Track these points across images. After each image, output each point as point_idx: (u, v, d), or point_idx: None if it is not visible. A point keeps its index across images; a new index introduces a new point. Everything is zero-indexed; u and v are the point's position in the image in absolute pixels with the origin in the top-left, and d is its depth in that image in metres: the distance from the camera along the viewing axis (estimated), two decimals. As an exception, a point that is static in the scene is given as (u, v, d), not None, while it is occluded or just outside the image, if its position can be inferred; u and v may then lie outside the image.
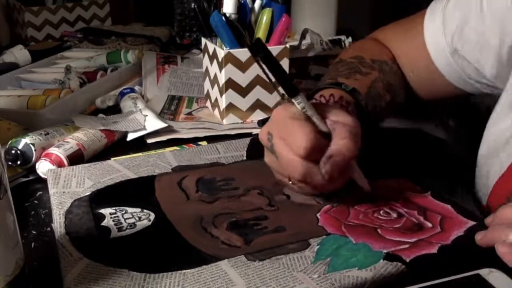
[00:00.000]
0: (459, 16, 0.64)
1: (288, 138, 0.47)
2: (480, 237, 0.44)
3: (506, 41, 0.59)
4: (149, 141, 0.72)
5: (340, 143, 0.47)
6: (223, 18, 0.73)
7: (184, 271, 0.41)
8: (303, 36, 1.11)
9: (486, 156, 0.59)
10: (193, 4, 1.26)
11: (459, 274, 0.40)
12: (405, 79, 0.72)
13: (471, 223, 0.48)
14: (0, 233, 0.37)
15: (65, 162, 0.61)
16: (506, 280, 0.39)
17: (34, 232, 0.50)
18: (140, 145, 0.70)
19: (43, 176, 0.60)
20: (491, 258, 0.42)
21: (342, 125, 0.48)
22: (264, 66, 0.47)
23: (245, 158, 0.63)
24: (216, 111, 0.80)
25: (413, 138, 0.72)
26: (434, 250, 0.44)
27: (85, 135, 0.66)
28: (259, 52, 0.46)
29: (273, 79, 0.48)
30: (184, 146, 0.68)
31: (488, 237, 0.43)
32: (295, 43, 1.11)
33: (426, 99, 0.73)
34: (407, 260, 0.42)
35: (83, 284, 0.40)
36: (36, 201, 0.56)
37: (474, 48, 0.63)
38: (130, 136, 0.71)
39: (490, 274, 0.40)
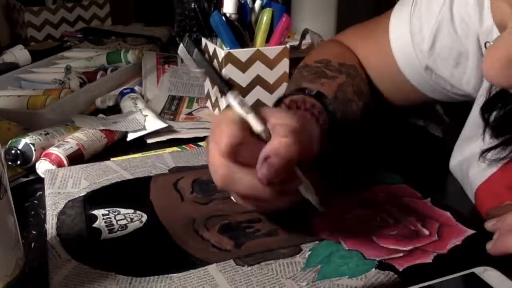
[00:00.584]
0: (427, 29, 0.61)
1: (215, 136, 0.43)
2: (490, 246, 0.43)
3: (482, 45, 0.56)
4: (149, 141, 0.72)
5: (276, 142, 0.41)
6: (223, 18, 0.73)
7: (171, 275, 0.41)
8: (303, 36, 1.11)
9: (460, 169, 0.59)
10: (193, 4, 1.26)
11: (454, 274, 0.40)
12: (372, 86, 0.69)
13: (470, 231, 0.47)
14: (0, 233, 0.37)
15: (65, 162, 0.61)
16: (501, 278, 0.39)
17: (34, 232, 0.50)
18: (140, 145, 0.70)
19: (43, 176, 0.60)
20: (485, 256, 0.42)
21: (282, 125, 0.42)
22: (199, 64, 0.45)
23: None
24: (217, 111, 0.80)
25: (416, 137, 0.71)
26: (428, 259, 0.43)
27: (85, 135, 0.66)
28: (192, 50, 0.45)
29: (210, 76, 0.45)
30: (184, 146, 0.68)
31: (501, 246, 0.42)
32: (295, 43, 1.11)
33: (397, 105, 0.70)
34: (400, 270, 0.42)
35: (69, 286, 0.40)
36: (36, 201, 0.56)
37: (448, 64, 0.60)
38: (130, 136, 0.71)
39: (485, 272, 0.40)
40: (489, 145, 0.53)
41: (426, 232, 0.47)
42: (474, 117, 0.57)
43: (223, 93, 0.44)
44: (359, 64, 0.68)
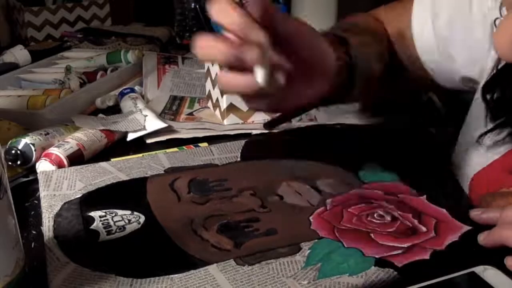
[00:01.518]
0: (447, 8, 0.61)
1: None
2: (483, 237, 0.44)
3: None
4: (149, 141, 0.71)
5: None
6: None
7: (172, 276, 0.41)
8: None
9: (459, 156, 0.59)
10: (193, 4, 1.26)
11: (453, 273, 0.40)
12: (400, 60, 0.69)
13: (467, 228, 0.47)
14: (0, 233, 0.37)
15: (65, 162, 0.61)
16: (502, 277, 0.39)
17: (34, 232, 0.50)
18: (140, 145, 0.70)
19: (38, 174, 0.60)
20: (485, 255, 0.42)
21: None
22: None
23: (239, 159, 0.62)
24: (217, 112, 0.80)
25: (412, 136, 0.71)
26: (427, 256, 0.43)
27: (85, 135, 0.66)
28: None
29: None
30: (184, 147, 0.68)
31: (495, 237, 0.43)
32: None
33: (428, 88, 0.71)
34: (399, 266, 0.42)
35: None
36: (36, 201, 0.56)
37: (459, 40, 0.60)
38: (130, 136, 0.71)
39: (485, 271, 0.40)
40: (486, 129, 0.53)
41: (423, 228, 0.47)
42: (477, 103, 0.57)
43: None
44: (385, 34, 0.68)
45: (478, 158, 0.56)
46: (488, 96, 0.54)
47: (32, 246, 0.48)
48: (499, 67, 0.53)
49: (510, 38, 0.35)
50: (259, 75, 0.41)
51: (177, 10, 1.30)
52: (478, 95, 0.58)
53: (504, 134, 0.52)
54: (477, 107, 0.58)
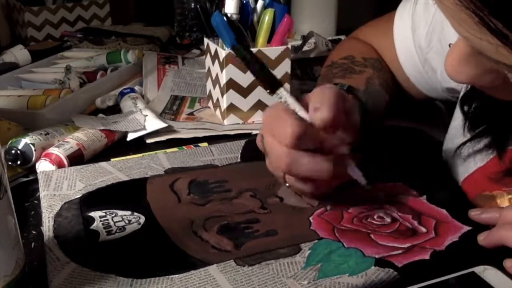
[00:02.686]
0: (425, 25, 0.63)
1: (275, 132, 0.47)
2: (483, 237, 0.44)
3: None
4: (149, 141, 0.71)
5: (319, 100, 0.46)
6: (225, 18, 0.73)
7: (172, 276, 0.41)
8: (307, 38, 1.11)
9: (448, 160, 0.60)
10: (193, 4, 1.26)
11: (453, 273, 0.40)
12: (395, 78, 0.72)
13: (466, 228, 0.47)
14: (0, 233, 0.37)
15: (65, 162, 0.61)
16: (501, 277, 0.39)
17: (34, 232, 0.50)
18: (140, 145, 0.70)
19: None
20: (485, 255, 0.42)
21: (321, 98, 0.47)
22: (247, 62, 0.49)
23: (239, 160, 0.62)
24: (218, 112, 0.80)
25: (413, 138, 0.71)
26: (427, 256, 0.43)
27: (85, 135, 0.66)
28: (240, 49, 0.48)
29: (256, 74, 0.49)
30: (184, 147, 0.68)
31: (495, 237, 0.43)
32: (296, 43, 1.11)
33: (417, 98, 0.73)
34: (399, 266, 0.42)
35: None
36: (36, 201, 0.56)
37: (442, 58, 0.62)
38: (130, 136, 0.71)
39: (485, 272, 0.40)
40: (464, 139, 0.54)
41: (423, 229, 0.47)
42: (458, 113, 0.58)
43: (272, 91, 0.48)
44: (381, 57, 0.71)
45: (460, 167, 0.57)
46: (465, 108, 0.55)
47: (32, 246, 0.48)
48: None
49: (456, 62, 0.38)
50: (361, 179, 0.48)
51: (177, 10, 1.30)
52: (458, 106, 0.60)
53: (482, 143, 0.53)
54: (458, 118, 0.59)
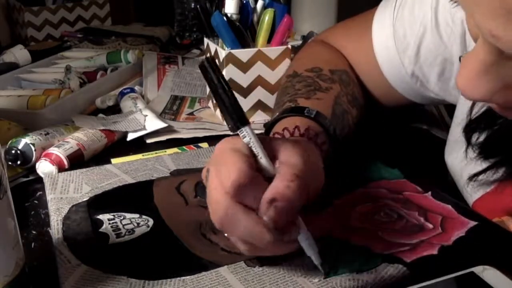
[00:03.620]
0: (411, 35, 0.60)
1: (221, 171, 0.39)
2: None
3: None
4: (149, 141, 0.71)
5: (283, 186, 0.38)
6: (225, 18, 0.73)
7: (183, 277, 0.41)
8: (307, 38, 1.11)
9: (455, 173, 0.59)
10: (193, 4, 1.26)
11: (453, 273, 0.40)
12: (364, 87, 0.68)
13: (473, 223, 0.47)
14: (0, 233, 0.37)
15: (65, 162, 0.61)
16: (500, 277, 0.39)
17: (34, 232, 0.50)
18: (140, 145, 0.70)
19: (43, 176, 0.60)
20: (489, 248, 0.43)
21: (289, 166, 0.40)
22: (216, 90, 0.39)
23: None
24: (218, 112, 0.80)
25: (412, 136, 0.71)
26: (435, 251, 0.44)
27: (85, 135, 0.66)
28: (209, 69, 0.39)
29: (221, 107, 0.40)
30: (184, 147, 0.68)
31: None
32: (295, 43, 1.11)
33: (386, 106, 0.69)
34: (408, 262, 0.42)
35: None
36: (36, 201, 0.56)
37: (433, 72, 0.60)
38: (130, 136, 0.71)
39: (484, 272, 0.40)
40: (478, 168, 0.52)
41: (430, 225, 0.47)
42: (458, 123, 0.56)
43: (235, 127, 0.40)
44: (349, 66, 0.68)
45: (472, 190, 0.54)
46: (474, 137, 0.52)
47: (32, 246, 0.48)
48: (481, 111, 0.51)
49: (474, 74, 0.33)
50: (318, 262, 0.41)
51: (177, 10, 1.30)
52: (456, 121, 0.57)
53: (501, 172, 0.50)
54: (456, 133, 0.57)
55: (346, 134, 0.58)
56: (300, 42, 1.13)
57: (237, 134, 0.40)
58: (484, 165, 0.51)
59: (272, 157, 0.41)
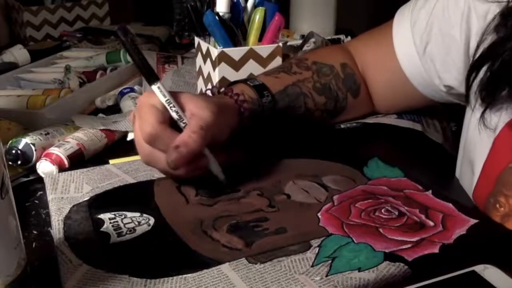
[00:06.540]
0: (424, 15, 0.64)
1: (139, 121, 0.51)
2: None
3: (471, 46, 0.58)
4: (149, 140, 0.71)
5: (186, 135, 0.50)
6: (216, 17, 0.73)
7: (185, 275, 0.41)
8: (307, 38, 1.11)
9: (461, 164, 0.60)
10: (185, 4, 1.26)
11: (454, 272, 0.40)
12: (365, 88, 0.72)
13: (473, 221, 0.47)
14: (1, 233, 0.37)
15: (66, 162, 0.61)
16: (501, 275, 0.39)
17: (35, 232, 0.50)
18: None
19: (43, 176, 0.60)
20: (490, 246, 0.43)
21: (197, 118, 0.51)
22: (129, 51, 0.51)
23: None
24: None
25: (410, 138, 0.71)
26: (436, 249, 0.44)
27: (85, 135, 0.66)
28: (124, 36, 0.49)
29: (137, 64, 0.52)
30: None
31: None
32: (295, 42, 1.11)
33: (384, 110, 0.75)
34: (409, 260, 0.42)
35: None
36: (37, 201, 0.56)
37: (441, 51, 0.62)
38: (130, 136, 0.71)
39: (486, 270, 0.40)
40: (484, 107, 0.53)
41: (431, 223, 0.47)
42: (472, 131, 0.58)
43: (149, 82, 0.51)
44: (341, 65, 0.71)
45: (483, 142, 0.56)
46: (471, 78, 0.55)
47: (34, 246, 0.48)
48: (480, 52, 0.54)
49: None
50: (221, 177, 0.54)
51: (176, 10, 1.30)
52: (469, 119, 0.59)
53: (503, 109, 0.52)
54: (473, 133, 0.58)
55: (298, 113, 0.66)
56: (299, 41, 1.13)
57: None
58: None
59: (185, 110, 0.52)
